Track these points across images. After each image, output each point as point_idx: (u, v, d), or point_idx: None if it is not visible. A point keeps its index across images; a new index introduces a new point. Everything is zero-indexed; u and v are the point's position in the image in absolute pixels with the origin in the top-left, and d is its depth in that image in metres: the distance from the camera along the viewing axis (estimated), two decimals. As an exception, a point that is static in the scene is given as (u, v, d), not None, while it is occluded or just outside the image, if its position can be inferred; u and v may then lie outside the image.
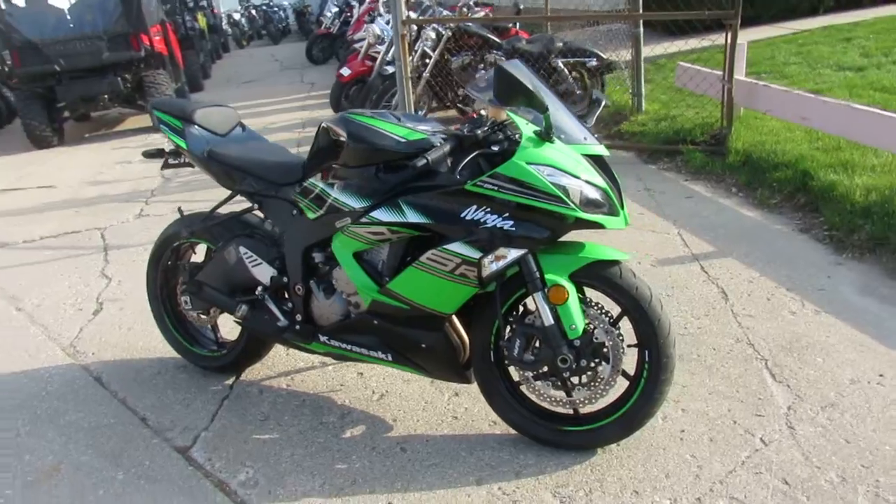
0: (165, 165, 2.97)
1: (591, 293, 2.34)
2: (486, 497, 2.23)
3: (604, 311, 2.33)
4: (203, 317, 2.97)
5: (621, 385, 2.36)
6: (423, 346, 2.40)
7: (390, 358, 2.48)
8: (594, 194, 2.14)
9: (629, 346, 2.32)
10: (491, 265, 2.17)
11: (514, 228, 2.12)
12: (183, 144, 2.80)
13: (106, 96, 9.45)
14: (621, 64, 7.19)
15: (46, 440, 2.77)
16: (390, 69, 6.83)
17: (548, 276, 2.21)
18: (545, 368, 2.30)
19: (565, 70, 7.03)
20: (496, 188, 2.11)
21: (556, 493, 2.23)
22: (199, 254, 3.18)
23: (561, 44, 7.08)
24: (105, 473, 2.53)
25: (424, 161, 2.03)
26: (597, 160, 2.24)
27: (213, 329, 3.13)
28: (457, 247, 2.18)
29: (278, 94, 11.83)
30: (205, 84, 14.50)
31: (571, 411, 2.41)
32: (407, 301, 2.31)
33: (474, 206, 2.15)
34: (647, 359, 2.29)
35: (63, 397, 3.06)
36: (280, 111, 10.18)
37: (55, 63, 8.79)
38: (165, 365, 3.23)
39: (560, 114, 2.23)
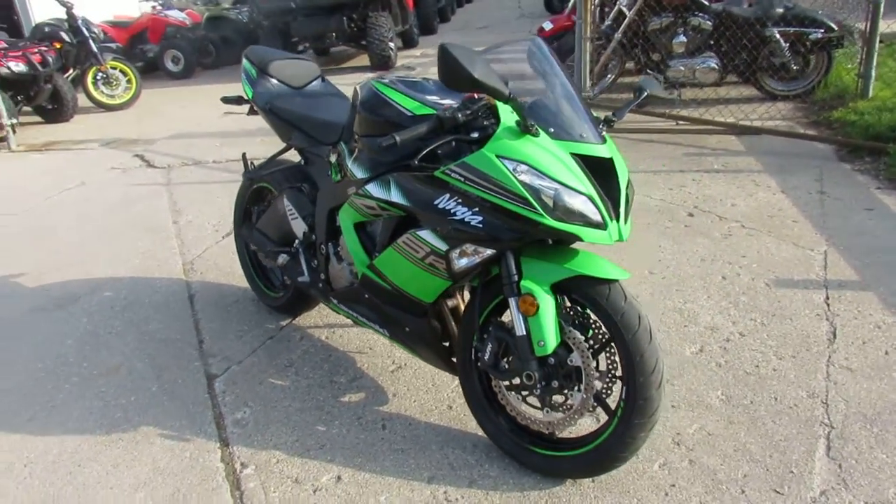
0: (251, 111, 3.14)
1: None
2: (427, 497, 2.13)
3: (595, 332, 2.06)
4: (268, 258, 3.15)
5: (602, 416, 2.08)
6: (407, 329, 2.32)
7: (388, 333, 2.44)
8: (572, 201, 1.86)
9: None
10: (458, 260, 2.01)
11: (480, 226, 1.93)
12: (249, 93, 2.93)
13: (333, 34, 10.23)
14: (856, 38, 6.04)
15: (124, 342, 3.18)
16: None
17: (522, 283, 1.99)
18: (516, 381, 2.10)
19: (781, 41, 6.10)
20: (462, 179, 1.92)
21: (497, 513, 2.06)
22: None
23: (782, 9, 6.13)
24: (145, 383, 2.85)
25: (392, 141, 1.91)
26: (599, 162, 1.94)
27: (280, 270, 3.31)
28: (427, 234, 2.05)
29: (482, 45, 11.86)
30: (440, 28, 14.95)
31: (546, 431, 2.19)
32: (388, 281, 2.24)
33: (447, 195, 1.99)
34: (623, 396, 1.98)
35: (157, 307, 3.48)
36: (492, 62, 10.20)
37: (291, 1, 9.69)
38: (246, 296, 3.50)
39: (558, 103, 1.95)
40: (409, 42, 12.59)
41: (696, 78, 6.39)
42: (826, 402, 2.40)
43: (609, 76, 6.90)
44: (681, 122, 5.77)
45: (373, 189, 2.21)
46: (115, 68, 9.02)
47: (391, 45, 10.23)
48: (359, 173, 2.30)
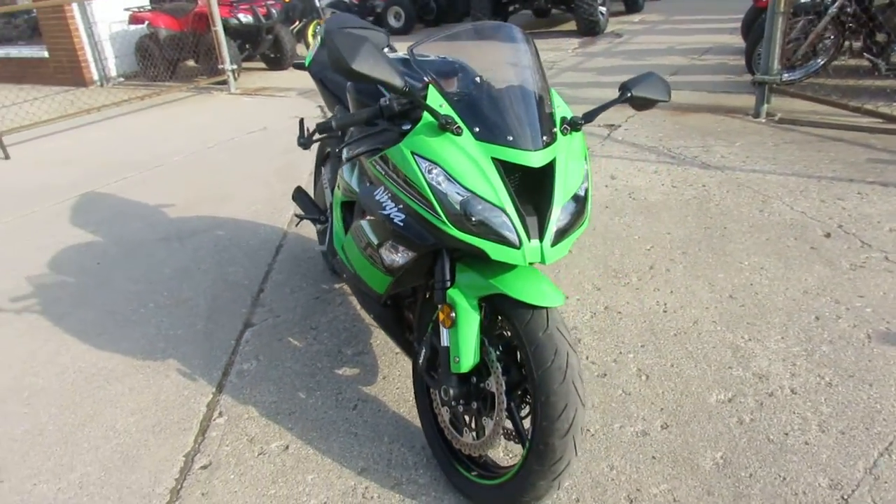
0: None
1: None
2: (348, 488, 2.11)
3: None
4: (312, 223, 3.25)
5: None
6: (372, 315, 2.27)
7: (368, 312, 2.41)
8: (481, 213, 1.65)
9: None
10: (387, 256, 1.91)
11: (401, 224, 1.80)
12: (307, 61, 2.99)
13: (543, -3, 10.01)
14: None
15: (204, 279, 3.52)
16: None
17: (449, 292, 1.83)
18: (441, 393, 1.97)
19: None
20: (383, 172, 1.80)
21: (401, 523, 1.98)
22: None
23: None
24: (195, 321, 3.14)
25: (328, 122, 1.84)
26: (544, 170, 1.69)
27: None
28: (365, 225, 1.97)
29: (709, 11, 10.74)
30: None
31: (464, 452, 2.02)
32: (351, 265, 2.20)
33: (382, 188, 1.88)
34: (529, 436, 1.76)
35: (247, 252, 3.79)
36: (694, 31, 9.31)
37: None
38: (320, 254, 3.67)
39: (496, 98, 1.72)
40: (632, 6, 11.88)
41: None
42: (846, 500, 1.91)
43: (819, 59, 5.92)
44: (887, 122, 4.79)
45: (345, 171, 2.17)
46: (333, 22, 9.71)
47: (601, 9, 9.73)
48: (344, 154, 2.27)
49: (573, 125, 1.82)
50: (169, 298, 3.35)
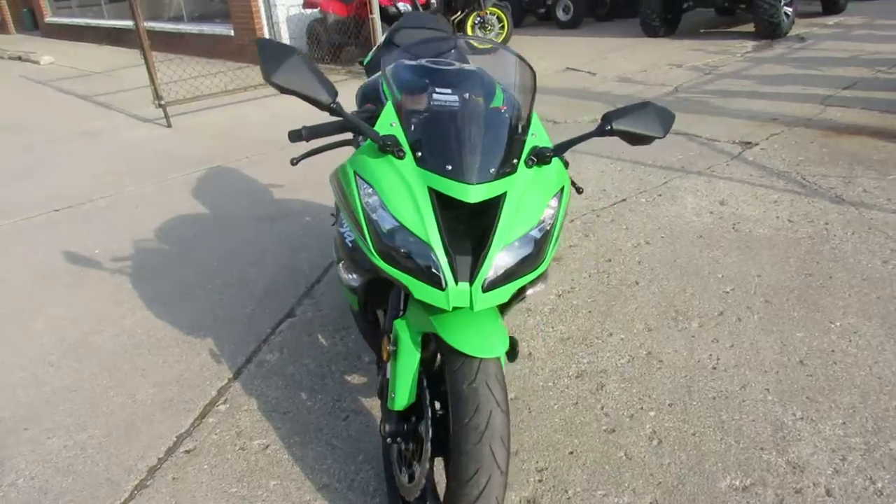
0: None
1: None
2: (300, 502, 2.07)
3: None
4: None
5: None
6: (356, 322, 2.20)
7: None
8: (406, 246, 1.51)
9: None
10: (343, 275, 1.83)
11: (350, 245, 1.71)
12: (366, 60, 2.94)
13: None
14: None
15: (273, 262, 3.64)
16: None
17: (395, 322, 1.72)
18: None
19: None
20: (336, 186, 1.71)
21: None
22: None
23: None
24: (246, 303, 3.25)
25: (297, 130, 1.78)
26: (486, 206, 1.52)
27: None
28: (337, 237, 1.89)
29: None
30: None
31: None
32: None
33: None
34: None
35: (321, 239, 3.86)
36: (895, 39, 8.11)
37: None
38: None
39: (445, 121, 1.56)
40: (830, 6, 10.60)
41: None
42: None
43: None
44: None
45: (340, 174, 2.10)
46: (492, 13, 9.65)
47: (787, 10, 8.78)
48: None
49: (540, 157, 1.60)
50: (234, 277, 3.50)
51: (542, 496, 2.01)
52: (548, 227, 1.59)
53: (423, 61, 1.92)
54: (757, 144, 4.86)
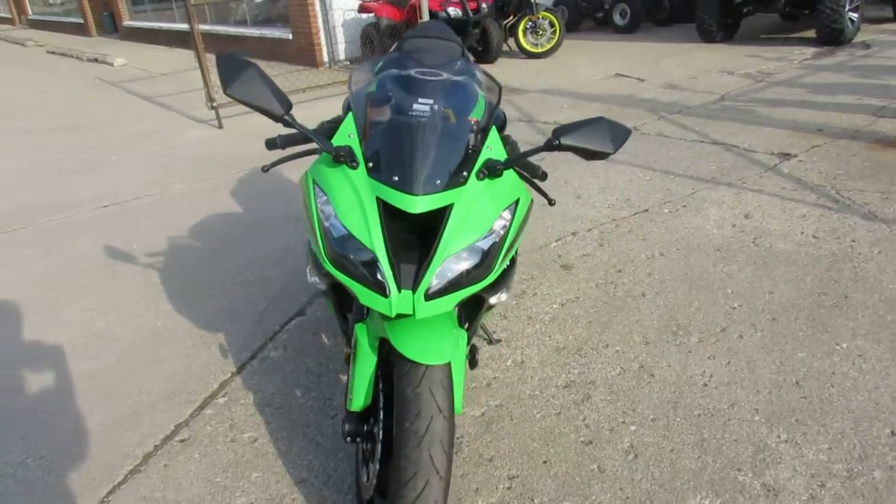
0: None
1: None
2: (277, 494, 2.15)
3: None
4: None
5: None
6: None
7: None
8: (354, 254, 1.57)
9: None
10: (309, 276, 1.90)
11: (312, 249, 1.78)
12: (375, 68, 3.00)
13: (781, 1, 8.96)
14: None
15: (292, 263, 3.76)
16: None
17: (357, 325, 1.78)
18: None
19: None
20: (302, 190, 1.78)
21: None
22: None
23: None
24: (260, 300, 3.38)
25: (273, 138, 1.87)
26: (435, 216, 1.57)
27: None
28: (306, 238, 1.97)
29: None
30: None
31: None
32: None
33: (311, 207, 1.87)
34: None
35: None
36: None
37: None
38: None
39: (400, 131, 1.60)
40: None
41: None
42: None
43: None
44: None
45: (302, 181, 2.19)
46: (544, 18, 9.62)
47: (852, 15, 8.43)
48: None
49: (491, 170, 1.64)
50: (254, 276, 3.64)
51: (508, 503, 2.03)
52: (497, 239, 1.62)
53: (411, 71, 1.97)
54: (795, 156, 4.71)
